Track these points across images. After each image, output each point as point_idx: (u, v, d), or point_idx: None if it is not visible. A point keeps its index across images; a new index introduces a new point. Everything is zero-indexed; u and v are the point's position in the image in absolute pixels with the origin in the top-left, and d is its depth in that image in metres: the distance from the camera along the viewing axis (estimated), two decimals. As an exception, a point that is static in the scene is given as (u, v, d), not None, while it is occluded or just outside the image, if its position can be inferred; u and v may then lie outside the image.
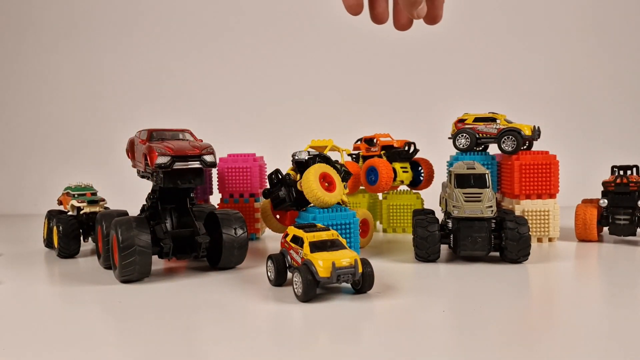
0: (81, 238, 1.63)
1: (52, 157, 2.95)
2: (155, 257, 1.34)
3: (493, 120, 1.65)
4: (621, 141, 2.79)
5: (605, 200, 1.68)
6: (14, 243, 1.90)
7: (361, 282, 1.12)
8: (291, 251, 1.18)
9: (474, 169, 1.44)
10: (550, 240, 1.70)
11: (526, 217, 1.63)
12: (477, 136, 1.68)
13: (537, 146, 1.83)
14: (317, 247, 1.12)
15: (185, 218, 1.38)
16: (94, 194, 1.70)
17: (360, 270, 1.09)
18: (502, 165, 1.76)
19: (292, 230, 1.20)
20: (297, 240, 1.17)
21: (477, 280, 1.24)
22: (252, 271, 1.38)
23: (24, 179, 2.93)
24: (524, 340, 0.86)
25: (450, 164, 1.76)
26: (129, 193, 2.14)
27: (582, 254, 1.55)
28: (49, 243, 1.71)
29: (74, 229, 1.58)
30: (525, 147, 1.70)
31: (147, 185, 1.44)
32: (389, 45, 2.80)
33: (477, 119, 1.69)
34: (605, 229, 1.76)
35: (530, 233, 1.39)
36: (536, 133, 1.68)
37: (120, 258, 1.22)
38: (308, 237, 1.13)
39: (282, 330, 0.94)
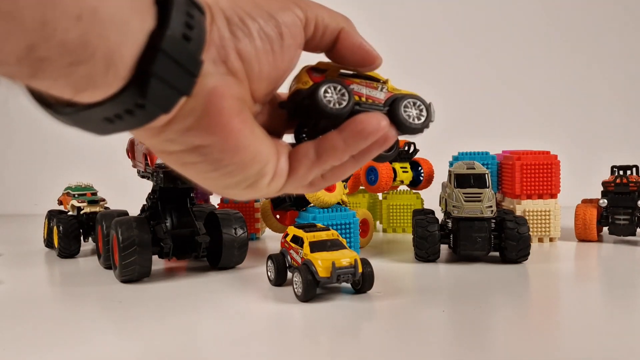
0: (81, 238, 1.63)
1: (52, 157, 2.95)
2: (155, 257, 1.34)
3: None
4: (621, 141, 2.79)
5: (605, 200, 1.68)
6: (14, 243, 1.90)
7: (361, 282, 1.12)
8: (291, 251, 1.18)
9: (474, 169, 1.44)
10: (551, 240, 1.70)
11: (527, 217, 1.63)
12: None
13: (538, 146, 1.84)
14: (316, 247, 1.12)
15: (186, 218, 1.38)
16: (94, 194, 1.70)
17: (360, 270, 1.09)
18: (503, 166, 1.76)
19: (292, 230, 1.20)
20: (297, 240, 1.17)
21: (477, 280, 1.24)
22: (252, 271, 1.38)
23: (24, 179, 2.93)
24: (524, 340, 0.86)
25: (450, 164, 1.76)
26: (129, 193, 2.14)
27: (582, 254, 1.55)
28: (49, 243, 1.71)
29: (74, 229, 1.58)
30: None
31: (147, 185, 1.44)
32: (388, 44, 2.80)
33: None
34: (605, 228, 1.76)
35: (530, 233, 1.39)
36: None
37: (120, 258, 1.22)
38: (308, 237, 1.13)
39: (282, 330, 0.94)
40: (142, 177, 1.44)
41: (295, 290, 1.10)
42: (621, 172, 1.71)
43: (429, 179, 1.91)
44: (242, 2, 0.45)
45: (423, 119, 0.48)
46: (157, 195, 1.35)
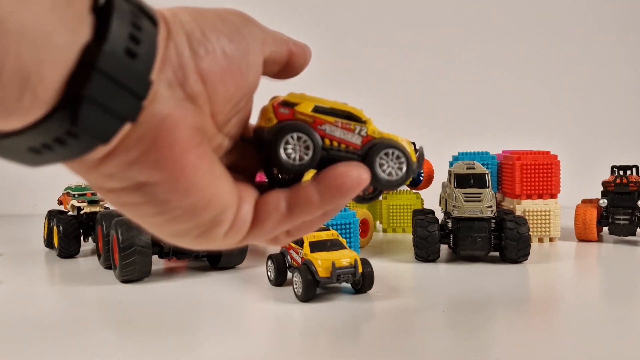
0: (81, 238, 1.63)
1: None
2: (155, 257, 1.34)
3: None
4: (621, 141, 2.79)
5: (605, 200, 1.67)
6: (14, 243, 1.90)
7: (361, 282, 1.12)
8: (291, 251, 1.18)
9: (474, 169, 1.44)
10: (551, 240, 1.70)
11: (527, 217, 1.63)
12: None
13: (538, 146, 1.84)
14: (316, 247, 1.12)
15: (185, 218, 1.38)
16: (94, 193, 1.69)
17: (360, 270, 1.09)
18: (503, 166, 1.76)
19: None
20: (297, 240, 1.17)
21: (476, 281, 1.24)
22: (252, 271, 1.38)
23: (24, 179, 2.93)
24: (524, 340, 0.86)
25: (450, 164, 1.76)
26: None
27: (582, 254, 1.55)
28: (49, 243, 1.71)
29: (74, 229, 1.58)
30: None
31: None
32: (390, 45, 2.79)
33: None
34: (605, 228, 1.76)
35: (530, 233, 1.39)
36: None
37: (120, 258, 1.22)
38: (308, 237, 1.13)
39: (282, 330, 0.94)
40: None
41: (295, 290, 1.10)
42: (621, 172, 1.71)
43: (429, 179, 1.90)
44: (205, 15, 0.38)
45: (402, 173, 0.41)
46: (157, 195, 1.35)
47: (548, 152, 1.72)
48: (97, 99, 0.28)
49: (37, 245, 1.81)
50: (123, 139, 0.32)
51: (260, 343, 0.86)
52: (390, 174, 0.41)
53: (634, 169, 1.72)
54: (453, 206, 1.40)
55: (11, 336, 0.93)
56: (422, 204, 1.97)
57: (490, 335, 0.89)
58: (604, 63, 2.88)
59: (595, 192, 1.80)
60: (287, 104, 0.41)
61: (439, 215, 1.55)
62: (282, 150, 0.39)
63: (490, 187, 1.42)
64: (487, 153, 1.80)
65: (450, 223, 1.43)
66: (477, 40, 2.90)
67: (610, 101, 2.88)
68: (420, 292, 1.15)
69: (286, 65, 0.44)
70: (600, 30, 2.88)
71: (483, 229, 1.37)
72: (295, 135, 0.39)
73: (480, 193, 1.39)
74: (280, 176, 0.42)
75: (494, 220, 1.40)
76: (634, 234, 1.66)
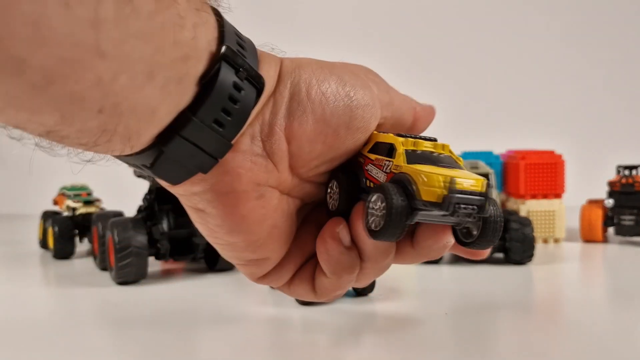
0: (77, 239, 1.61)
1: (47, 156, 2.93)
2: (151, 259, 1.32)
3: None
4: (627, 140, 2.77)
5: (611, 201, 1.65)
6: (9, 244, 1.88)
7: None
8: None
9: (478, 168, 1.42)
10: (555, 241, 1.68)
11: (531, 218, 1.61)
12: None
13: (542, 145, 1.81)
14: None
15: (183, 219, 1.35)
16: (90, 194, 1.67)
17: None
18: (507, 165, 1.74)
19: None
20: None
21: (480, 282, 1.22)
22: (251, 273, 1.36)
23: (21, 179, 2.91)
24: (529, 344, 0.83)
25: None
26: (125, 193, 2.11)
27: (587, 255, 1.53)
28: (44, 244, 1.69)
29: (70, 230, 1.56)
30: None
31: (144, 186, 1.41)
32: (391, 44, 2.77)
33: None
34: (611, 229, 1.74)
35: (534, 234, 1.37)
36: None
37: (116, 259, 1.20)
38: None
39: (281, 334, 0.92)
40: (139, 176, 1.42)
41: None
42: (627, 172, 1.69)
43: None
44: (325, 71, 0.40)
45: (383, 221, 0.39)
46: (153, 195, 1.33)
47: (553, 152, 1.70)
48: (173, 157, 0.35)
49: (33, 246, 1.79)
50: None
51: (258, 347, 0.84)
52: (372, 223, 0.39)
53: (640, 169, 1.70)
54: (456, 206, 1.37)
55: (6, 338, 0.90)
56: (424, 204, 1.95)
57: (494, 338, 0.86)
58: (609, 62, 2.86)
59: (601, 192, 1.78)
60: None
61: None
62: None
63: (495, 187, 1.40)
64: (491, 152, 1.78)
65: (453, 224, 1.41)
66: (481, 39, 2.88)
67: (615, 100, 2.86)
68: (423, 294, 1.13)
69: (410, 127, 0.49)
70: (606, 28, 2.86)
71: (487, 229, 1.35)
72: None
73: (484, 193, 1.37)
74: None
75: (498, 221, 1.38)
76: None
